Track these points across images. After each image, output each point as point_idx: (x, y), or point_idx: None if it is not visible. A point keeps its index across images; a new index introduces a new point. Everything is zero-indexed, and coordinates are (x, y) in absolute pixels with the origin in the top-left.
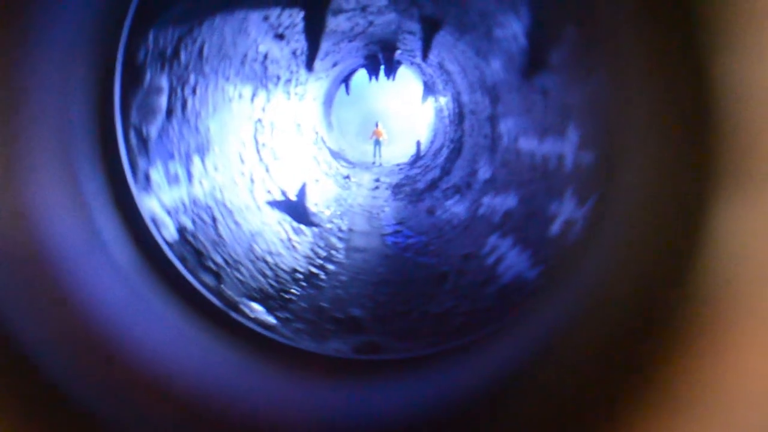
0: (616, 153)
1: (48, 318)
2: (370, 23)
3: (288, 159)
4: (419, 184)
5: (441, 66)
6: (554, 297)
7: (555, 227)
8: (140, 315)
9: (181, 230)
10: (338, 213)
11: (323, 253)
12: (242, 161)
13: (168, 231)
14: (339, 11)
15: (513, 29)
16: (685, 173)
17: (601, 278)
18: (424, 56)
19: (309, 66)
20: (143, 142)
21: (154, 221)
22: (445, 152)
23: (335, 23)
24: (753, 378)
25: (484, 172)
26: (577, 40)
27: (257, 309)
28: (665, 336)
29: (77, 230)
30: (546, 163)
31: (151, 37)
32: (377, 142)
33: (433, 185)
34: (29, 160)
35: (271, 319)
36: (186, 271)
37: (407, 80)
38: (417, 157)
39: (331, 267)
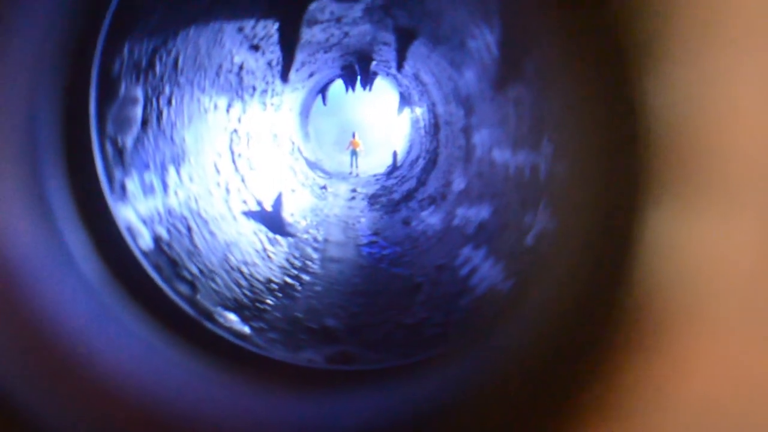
0: (568, 168)
1: (11, 339)
2: (346, 34)
3: (264, 169)
4: (395, 194)
5: (416, 77)
6: (521, 309)
7: (529, 239)
8: (110, 330)
9: (157, 240)
10: (314, 223)
11: (298, 264)
12: (218, 172)
13: (144, 240)
14: (314, 22)
15: (486, 40)
16: (619, 185)
17: (551, 289)
18: (399, 67)
19: (284, 77)
20: (119, 152)
21: (130, 231)
22: (421, 163)
23: (310, 34)
24: (692, 382)
25: (458, 183)
26: (548, 52)
27: (231, 318)
28: (608, 342)
29: (43, 245)
30: (520, 174)
31: (126, 48)
32: (354, 153)
33: (409, 196)
34: None
35: (245, 329)
36: (161, 281)
37: (384, 91)
38: (393, 167)
39: (306, 277)
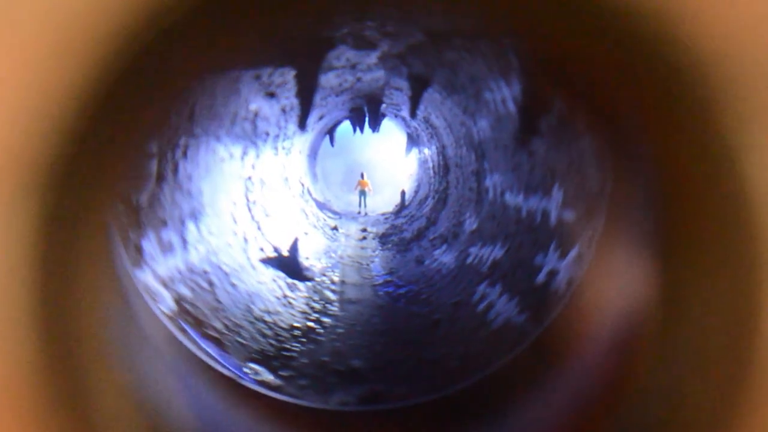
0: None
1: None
2: (358, 79)
3: (278, 214)
4: (406, 233)
5: (426, 120)
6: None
7: (540, 277)
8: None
9: (179, 300)
10: (329, 265)
11: (318, 307)
12: (235, 221)
13: (165, 303)
14: (329, 69)
15: (502, 93)
16: (737, 281)
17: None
18: (412, 114)
19: (302, 125)
20: (134, 212)
21: (150, 294)
22: (430, 202)
23: (324, 79)
24: None
25: (470, 223)
26: (564, 108)
27: (261, 371)
28: None
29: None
30: (531, 217)
31: None
32: (362, 193)
33: (419, 235)
34: None
35: (275, 380)
36: (188, 342)
37: (391, 132)
38: (402, 206)
39: (327, 320)
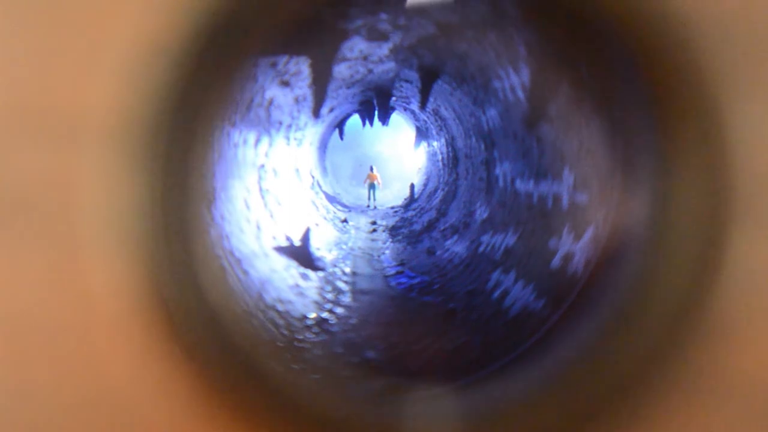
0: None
1: None
2: (369, 71)
3: (289, 204)
4: (416, 225)
5: (435, 112)
6: (569, 328)
7: (555, 261)
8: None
9: None
10: (340, 256)
11: (330, 298)
12: (248, 208)
13: None
14: (342, 60)
15: (511, 81)
16: (705, 210)
17: (623, 307)
18: (422, 106)
19: (316, 113)
20: None
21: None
22: (439, 194)
23: (336, 71)
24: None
25: (481, 213)
26: (573, 93)
27: (271, 363)
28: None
29: None
30: (543, 202)
31: None
32: (372, 186)
33: (430, 226)
34: None
35: (287, 375)
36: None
37: (399, 125)
38: (411, 199)
39: (339, 311)
